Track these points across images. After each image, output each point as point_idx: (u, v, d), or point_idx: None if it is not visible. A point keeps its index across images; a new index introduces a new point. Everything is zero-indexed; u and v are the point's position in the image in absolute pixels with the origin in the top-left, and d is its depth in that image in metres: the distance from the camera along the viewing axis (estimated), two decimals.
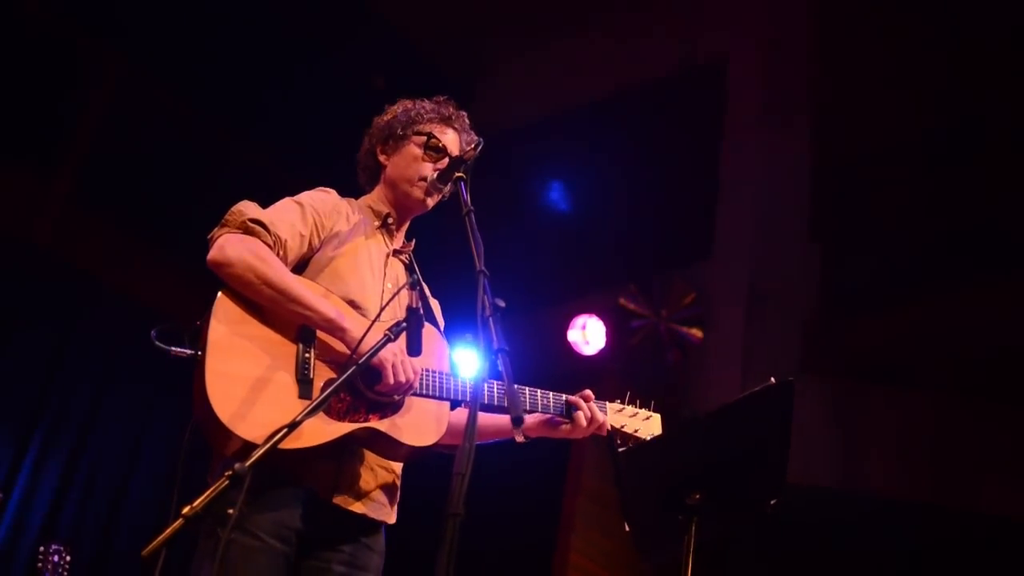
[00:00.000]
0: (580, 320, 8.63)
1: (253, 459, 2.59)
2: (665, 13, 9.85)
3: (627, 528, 3.58)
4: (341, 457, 3.27)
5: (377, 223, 3.69)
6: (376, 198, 3.77)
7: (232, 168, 8.98)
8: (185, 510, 2.46)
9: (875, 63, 8.77)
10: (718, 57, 9.67)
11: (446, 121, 3.79)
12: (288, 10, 9.26)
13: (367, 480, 3.34)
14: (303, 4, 9.40)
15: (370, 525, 3.36)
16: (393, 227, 3.73)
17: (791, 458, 3.46)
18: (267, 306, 3.21)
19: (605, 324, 8.60)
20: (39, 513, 7.55)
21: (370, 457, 3.35)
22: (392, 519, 3.45)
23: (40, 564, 5.41)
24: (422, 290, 3.59)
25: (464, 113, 3.86)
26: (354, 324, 3.24)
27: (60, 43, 8.50)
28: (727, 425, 3.50)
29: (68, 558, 5.49)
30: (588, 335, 8.58)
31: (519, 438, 3.24)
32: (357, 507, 3.30)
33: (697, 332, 8.57)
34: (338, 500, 3.26)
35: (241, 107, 9.13)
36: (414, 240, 3.80)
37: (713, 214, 9.21)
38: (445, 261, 4.12)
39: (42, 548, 5.51)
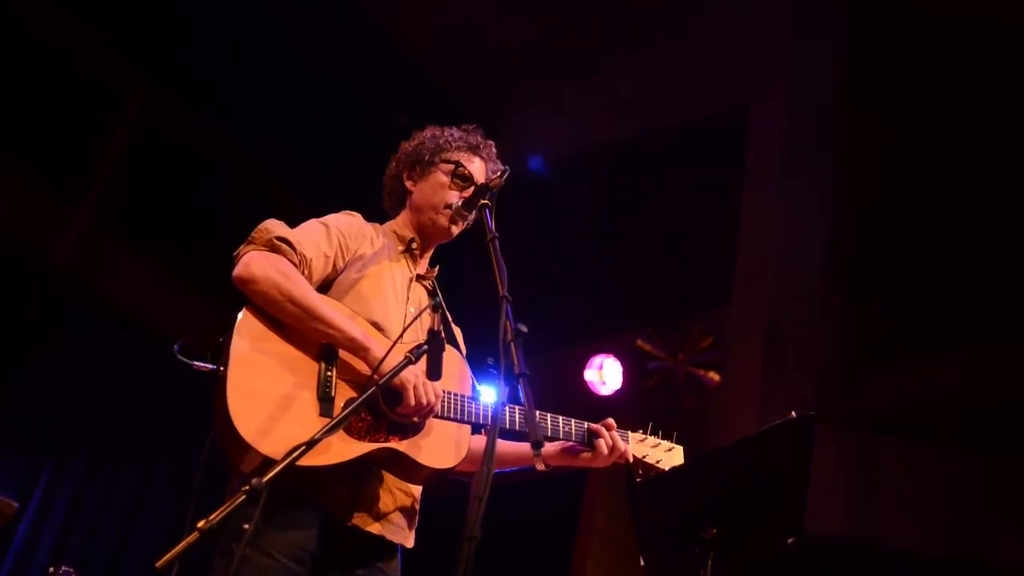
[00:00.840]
0: (597, 360, 8.64)
1: (271, 475, 2.58)
2: (690, 59, 9.89)
3: (641, 561, 3.54)
4: (360, 478, 3.25)
5: (401, 247, 3.70)
6: (401, 223, 3.79)
7: (253, 197, 9.01)
8: (200, 524, 2.44)
9: (898, 114, 8.77)
10: (742, 104, 9.69)
11: (473, 150, 3.81)
12: (312, 44, 9.33)
13: (386, 502, 3.32)
14: (328, 39, 9.46)
15: (386, 547, 3.34)
16: (417, 252, 3.73)
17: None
18: (291, 324, 3.21)
19: (622, 365, 8.61)
20: (50, 534, 7.52)
21: (389, 479, 3.33)
22: (409, 543, 3.42)
23: None
24: (444, 315, 3.58)
25: (491, 142, 3.87)
26: (377, 345, 3.24)
27: (87, 70, 8.56)
28: (745, 459, 3.47)
29: None
30: (605, 375, 8.58)
31: (539, 466, 3.15)
32: (374, 528, 3.27)
33: (714, 375, 8.54)
34: (356, 521, 3.23)
35: (263, 137, 9.19)
36: (438, 267, 3.80)
37: (733, 260, 9.20)
38: (469, 292, 4.09)
39: (51, 569, 5.47)
